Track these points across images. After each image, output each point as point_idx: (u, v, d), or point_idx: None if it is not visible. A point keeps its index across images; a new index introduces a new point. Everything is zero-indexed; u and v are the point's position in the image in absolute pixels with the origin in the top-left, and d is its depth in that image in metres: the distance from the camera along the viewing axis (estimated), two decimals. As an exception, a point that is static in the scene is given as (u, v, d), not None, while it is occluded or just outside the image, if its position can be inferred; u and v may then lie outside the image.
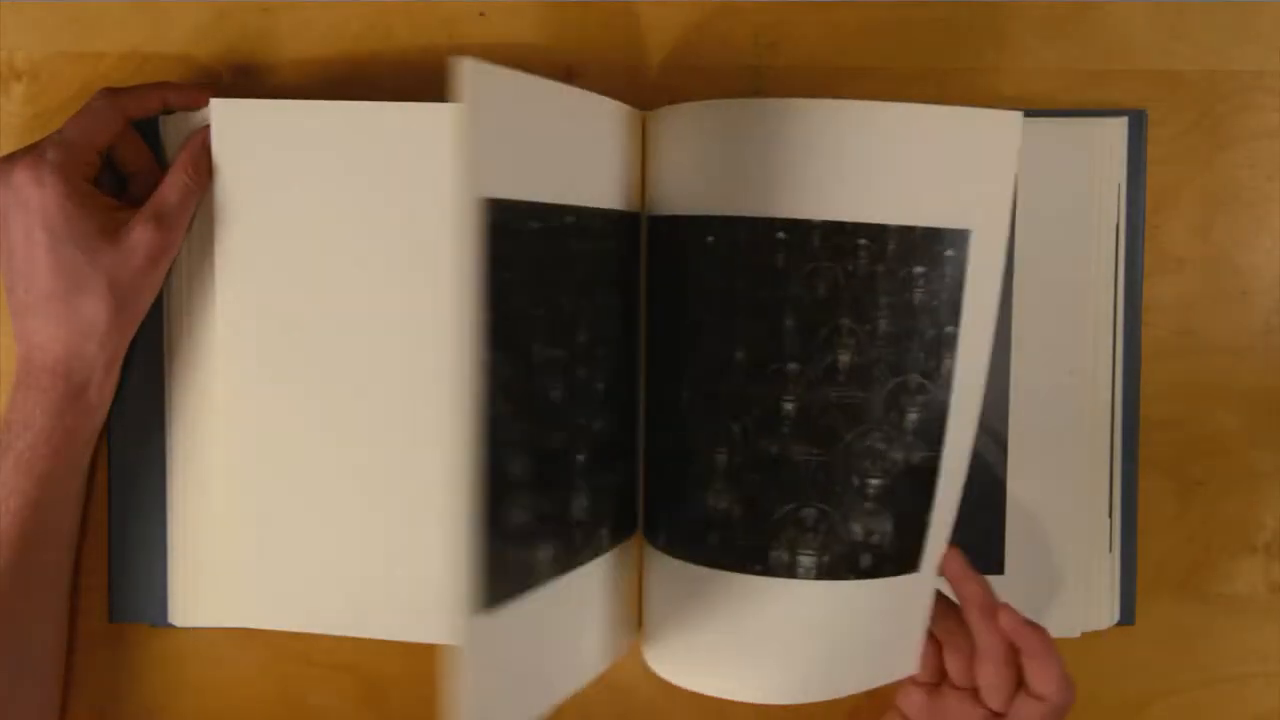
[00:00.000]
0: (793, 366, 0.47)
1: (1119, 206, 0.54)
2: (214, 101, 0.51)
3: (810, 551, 0.47)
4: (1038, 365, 0.54)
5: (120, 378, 0.52)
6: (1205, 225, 0.55)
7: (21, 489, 0.48)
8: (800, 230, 0.46)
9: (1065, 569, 0.54)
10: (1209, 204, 0.55)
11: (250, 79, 0.54)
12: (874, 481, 0.47)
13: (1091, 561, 0.55)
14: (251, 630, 0.54)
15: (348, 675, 0.55)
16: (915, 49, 0.54)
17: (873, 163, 0.45)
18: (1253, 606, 0.56)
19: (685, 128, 0.48)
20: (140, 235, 0.49)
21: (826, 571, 0.47)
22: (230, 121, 0.51)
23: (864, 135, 0.45)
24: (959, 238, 0.46)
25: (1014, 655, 0.47)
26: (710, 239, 0.47)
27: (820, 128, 0.45)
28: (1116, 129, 0.54)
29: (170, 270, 0.52)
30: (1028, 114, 0.54)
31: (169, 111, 0.51)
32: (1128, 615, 0.55)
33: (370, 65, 0.54)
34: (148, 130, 0.52)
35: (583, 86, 0.54)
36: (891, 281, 0.46)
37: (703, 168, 0.47)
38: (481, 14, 0.54)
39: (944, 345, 0.46)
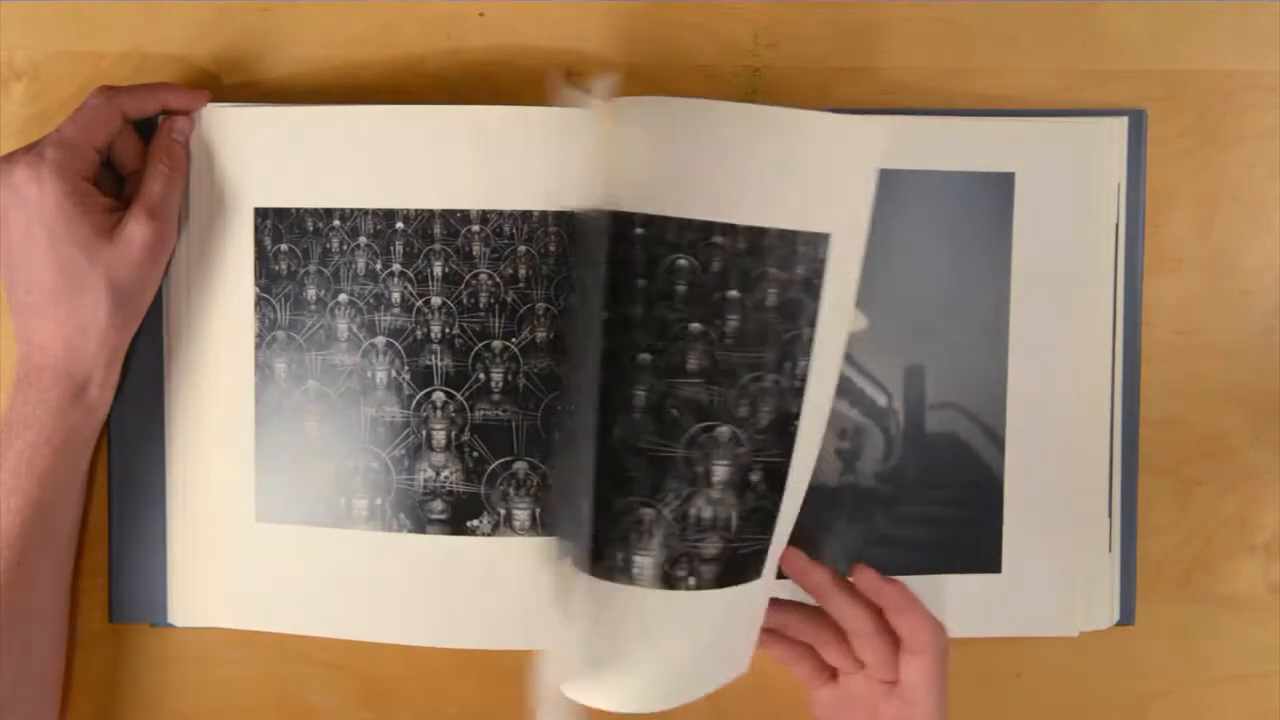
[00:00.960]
0: (644, 358, 0.47)
1: (1119, 206, 0.54)
2: (208, 107, 0.51)
3: (650, 555, 0.47)
4: (1037, 365, 0.54)
5: (120, 377, 0.52)
6: (1205, 225, 0.55)
7: (22, 488, 0.48)
8: (656, 226, 0.46)
9: (1065, 569, 0.54)
10: (1209, 204, 0.55)
11: (250, 79, 0.54)
12: (723, 481, 0.47)
13: (1091, 561, 0.55)
14: (251, 630, 0.54)
15: (348, 675, 0.55)
16: (915, 49, 0.54)
17: (733, 163, 0.46)
18: (1253, 606, 0.56)
19: (579, 127, 0.49)
20: (135, 230, 0.49)
21: (668, 580, 0.47)
22: (224, 127, 0.51)
23: (727, 136, 0.46)
24: (818, 240, 0.46)
25: (882, 622, 0.48)
26: (583, 232, 0.48)
27: (683, 127, 0.46)
28: (1116, 129, 0.54)
29: (169, 270, 0.52)
30: (1028, 114, 0.54)
31: (169, 113, 0.51)
32: (1128, 615, 0.55)
33: (370, 65, 0.54)
34: (147, 131, 0.52)
35: (582, 86, 0.54)
36: (745, 280, 0.46)
37: (580, 164, 0.48)
38: (481, 14, 0.54)
39: (799, 347, 0.47)
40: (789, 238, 0.46)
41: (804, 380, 0.47)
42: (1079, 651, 0.55)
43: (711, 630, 0.48)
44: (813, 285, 0.47)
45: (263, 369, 0.52)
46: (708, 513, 0.47)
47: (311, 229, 0.51)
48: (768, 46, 0.54)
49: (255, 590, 0.53)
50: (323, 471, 0.52)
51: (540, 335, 0.50)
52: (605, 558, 0.48)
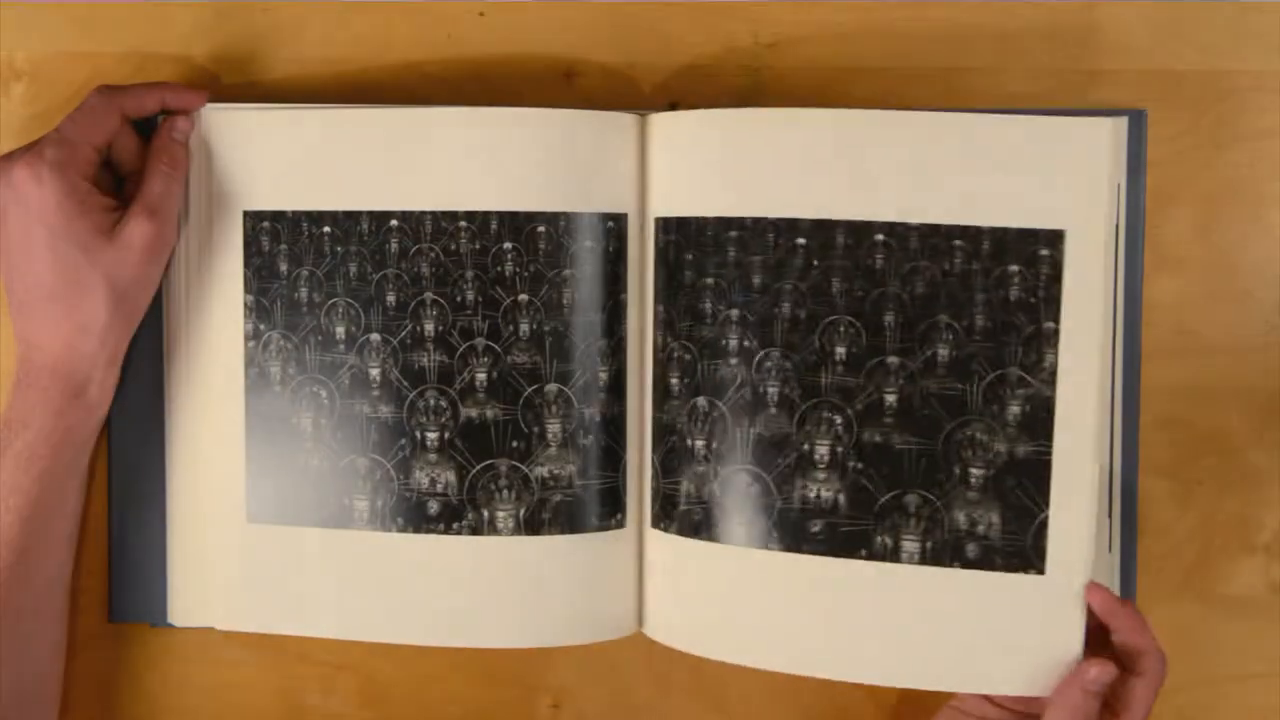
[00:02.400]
0: (893, 360, 0.49)
1: (1119, 206, 0.54)
2: (204, 109, 0.51)
3: (914, 537, 0.49)
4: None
5: (120, 377, 0.52)
6: (1205, 225, 0.55)
7: (21, 487, 0.48)
8: (898, 233, 0.49)
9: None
10: (1209, 204, 0.55)
11: (250, 79, 0.54)
12: (977, 471, 0.49)
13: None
14: (247, 631, 0.54)
15: (348, 675, 0.55)
16: (915, 49, 0.54)
17: (966, 168, 0.49)
18: (1253, 606, 0.56)
19: (753, 131, 0.50)
20: (135, 230, 0.49)
21: (931, 557, 0.49)
22: (219, 129, 0.52)
23: (958, 144, 0.49)
24: (1053, 237, 0.48)
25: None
26: (802, 241, 0.49)
27: (916, 138, 0.49)
28: (1116, 129, 0.54)
29: (169, 270, 0.52)
30: (1027, 114, 0.54)
31: (168, 112, 0.51)
32: (1128, 615, 0.55)
33: (370, 65, 0.54)
34: (148, 131, 0.52)
35: (583, 87, 0.54)
36: (987, 279, 0.49)
37: (793, 174, 0.50)
38: (481, 14, 0.54)
39: (1044, 340, 0.48)
40: (1027, 236, 0.48)
41: (1054, 373, 0.48)
42: (1079, 651, 0.55)
43: (981, 615, 0.49)
44: (1053, 279, 0.48)
45: (255, 370, 0.52)
46: (960, 498, 0.49)
47: (306, 233, 0.51)
48: (768, 46, 0.54)
49: (249, 591, 0.53)
50: (317, 473, 0.52)
51: (524, 330, 0.51)
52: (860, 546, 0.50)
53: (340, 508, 0.52)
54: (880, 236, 0.49)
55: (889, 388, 0.49)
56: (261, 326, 0.52)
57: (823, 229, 0.49)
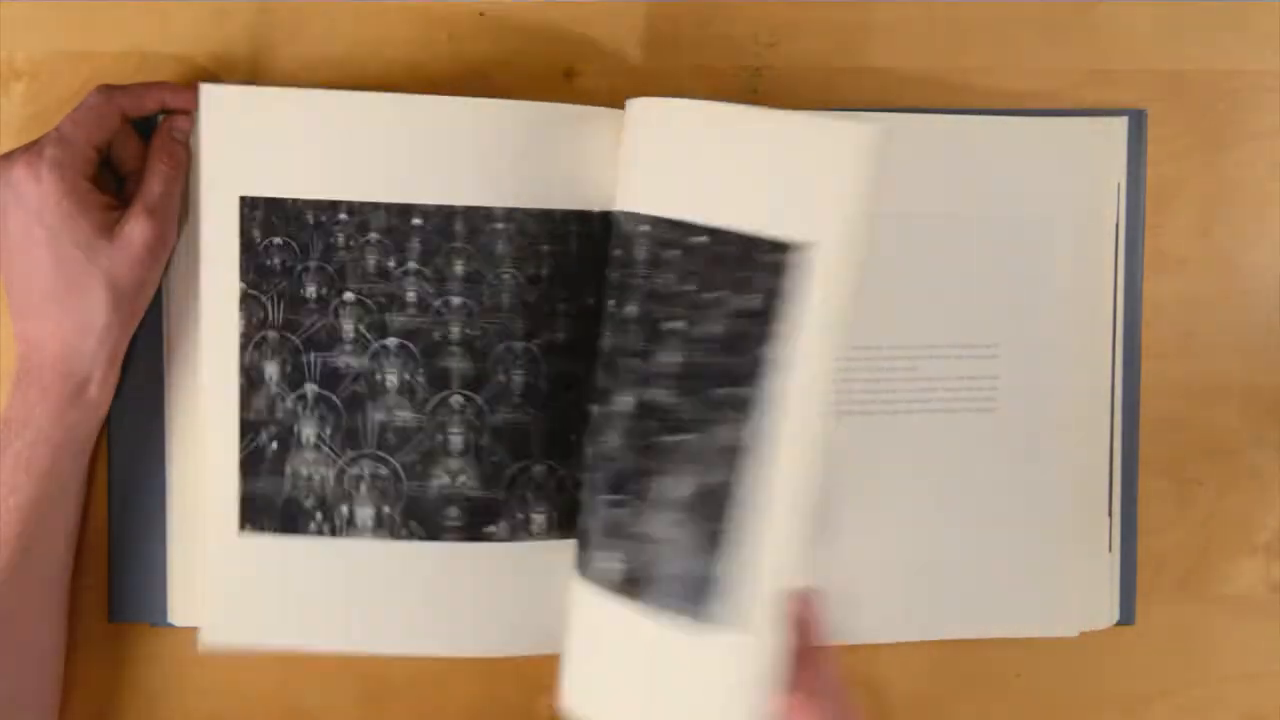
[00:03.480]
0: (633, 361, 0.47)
1: (1119, 206, 0.54)
2: (203, 87, 0.49)
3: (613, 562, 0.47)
4: (1036, 365, 0.54)
5: (120, 376, 0.52)
6: (1205, 225, 0.56)
7: (21, 487, 0.48)
8: (661, 225, 0.46)
9: (1065, 569, 0.54)
10: (1209, 204, 0.55)
11: (249, 79, 0.54)
12: (679, 500, 0.45)
13: (1091, 561, 0.55)
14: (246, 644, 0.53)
15: (348, 675, 0.55)
16: (916, 49, 0.54)
17: (713, 164, 0.45)
18: (1253, 606, 0.56)
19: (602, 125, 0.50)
20: (134, 229, 0.49)
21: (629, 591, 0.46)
22: (220, 109, 0.49)
23: (708, 137, 0.45)
24: (802, 248, 0.43)
25: None
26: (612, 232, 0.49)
27: (666, 128, 0.47)
28: (1116, 129, 0.54)
29: (169, 267, 0.52)
30: (1028, 114, 0.54)
31: (168, 112, 0.51)
32: (1128, 615, 0.55)
33: (370, 65, 0.54)
34: (147, 131, 0.51)
35: (583, 86, 0.54)
36: (712, 285, 0.45)
37: (601, 164, 0.49)
38: (481, 14, 0.54)
39: (776, 361, 0.44)
40: (767, 244, 0.44)
41: (776, 397, 0.44)
42: (1079, 651, 0.55)
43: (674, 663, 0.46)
44: (795, 297, 0.43)
45: (251, 370, 0.50)
46: (661, 533, 0.46)
47: (312, 222, 0.49)
48: (768, 46, 0.54)
49: (242, 605, 0.51)
50: (321, 479, 0.51)
51: (560, 336, 0.50)
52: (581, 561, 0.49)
53: (350, 516, 0.50)
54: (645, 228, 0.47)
55: (626, 397, 0.46)
56: (260, 323, 0.50)
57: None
